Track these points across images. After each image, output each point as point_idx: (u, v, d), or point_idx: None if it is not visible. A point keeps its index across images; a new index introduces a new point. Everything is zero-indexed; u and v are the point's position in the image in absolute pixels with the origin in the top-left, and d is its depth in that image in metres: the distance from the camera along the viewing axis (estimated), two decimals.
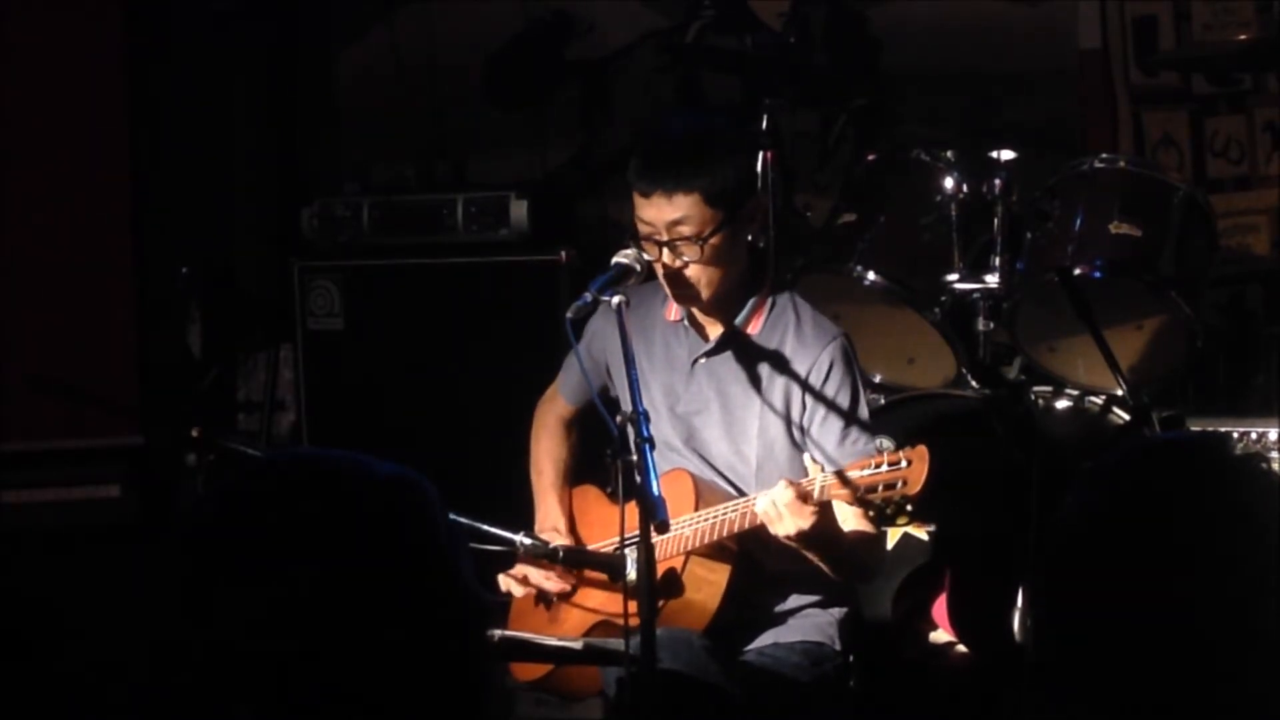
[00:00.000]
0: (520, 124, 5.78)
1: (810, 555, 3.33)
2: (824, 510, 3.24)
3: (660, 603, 3.24)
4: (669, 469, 3.49)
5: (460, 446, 4.82)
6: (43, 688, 4.55)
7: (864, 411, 3.50)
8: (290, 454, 2.47)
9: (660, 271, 3.42)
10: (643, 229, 3.41)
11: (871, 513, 3.25)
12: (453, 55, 5.81)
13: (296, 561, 1.73)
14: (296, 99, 5.98)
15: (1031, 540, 3.97)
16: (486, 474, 4.37)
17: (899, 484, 3.16)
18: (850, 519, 3.37)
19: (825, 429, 3.46)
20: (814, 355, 3.47)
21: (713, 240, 3.37)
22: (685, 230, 3.37)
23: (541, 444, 3.80)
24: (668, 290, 3.47)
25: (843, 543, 3.35)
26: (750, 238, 3.54)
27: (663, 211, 3.36)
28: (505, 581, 3.59)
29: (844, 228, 4.44)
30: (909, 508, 3.18)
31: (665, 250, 3.38)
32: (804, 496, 3.21)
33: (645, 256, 3.41)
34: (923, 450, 3.15)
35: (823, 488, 3.23)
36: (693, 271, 3.40)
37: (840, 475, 3.22)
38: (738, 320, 3.52)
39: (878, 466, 3.19)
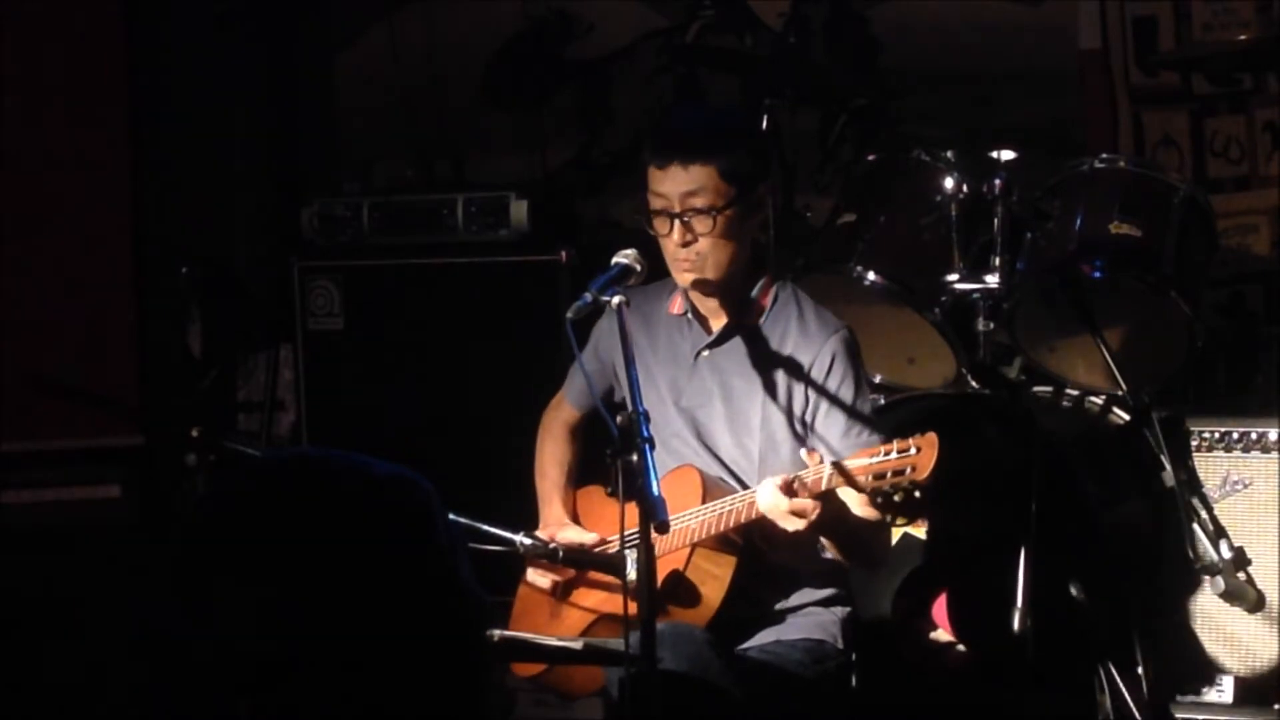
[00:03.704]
0: (520, 124, 5.78)
1: (821, 539, 3.37)
2: (827, 499, 3.26)
3: (664, 605, 3.26)
4: (677, 465, 3.51)
5: (460, 446, 4.82)
6: (43, 687, 4.55)
7: (867, 405, 3.52)
8: (290, 454, 2.47)
9: (669, 248, 3.45)
10: (655, 202, 3.45)
11: (880, 499, 3.26)
12: (453, 55, 5.81)
13: (296, 561, 1.73)
14: (296, 99, 5.98)
15: (1031, 540, 3.97)
16: (486, 474, 4.38)
17: (908, 470, 3.18)
18: (856, 504, 3.38)
19: (829, 423, 3.48)
20: (817, 348, 3.49)
21: (725, 213, 3.41)
22: (698, 202, 3.40)
23: (546, 448, 3.81)
24: (674, 269, 3.49)
25: (851, 524, 3.37)
26: (759, 234, 3.57)
27: (678, 182, 3.41)
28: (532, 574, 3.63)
29: (844, 228, 4.44)
30: (917, 494, 3.19)
31: (676, 224, 3.41)
32: (788, 489, 3.23)
33: (652, 231, 3.46)
34: (932, 437, 3.18)
35: (830, 476, 3.25)
36: (702, 246, 3.43)
37: (847, 464, 3.24)
38: (740, 313, 3.54)
39: (886, 454, 3.21)
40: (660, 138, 3.50)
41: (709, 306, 3.58)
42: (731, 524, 3.37)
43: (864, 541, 3.47)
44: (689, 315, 3.59)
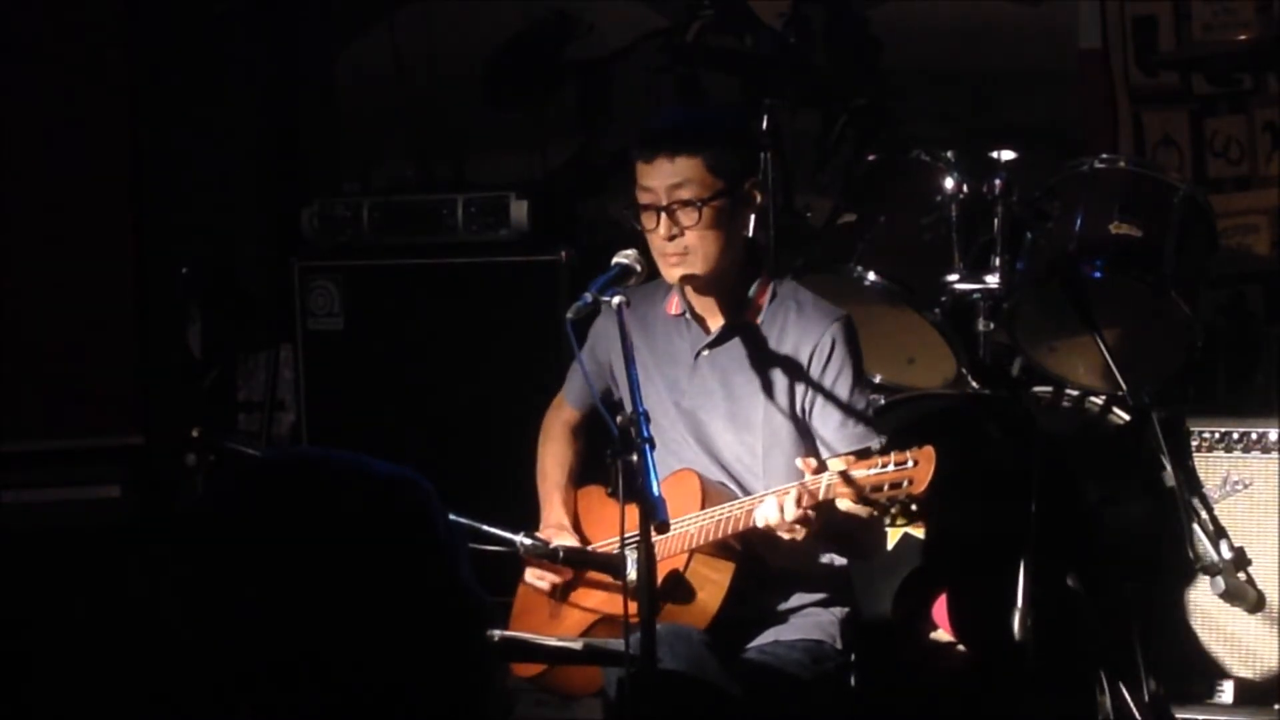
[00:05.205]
0: (520, 124, 5.78)
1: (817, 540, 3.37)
2: (824, 508, 3.26)
3: (663, 604, 3.25)
4: (677, 468, 3.51)
5: (460, 446, 4.82)
6: (43, 688, 4.55)
7: (864, 397, 3.52)
8: (290, 454, 2.47)
9: (656, 243, 3.45)
10: (642, 196, 3.45)
11: (875, 511, 3.27)
12: (453, 55, 5.81)
13: (295, 561, 1.73)
14: (297, 99, 5.98)
15: (1031, 540, 3.97)
16: (487, 474, 4.38)
17: (905, 483, 3.18)
18: (844, 502, 3.38)
19: (825, 416, 3.48)
20: (817, 335, 3.49)
21: (712, 205, 3.40)
22: (685, 194, 3.40)
23: (547, 448, 3.81)
24: (661, 265, 3.47)
25: (843, 523, 3.37)
26: (748, 231, 3.56)
27: (664, 174, 3.41)
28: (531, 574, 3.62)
29: (844, 228, 4.44)
30: (914, 508, 3.20)
31: (663, 217, 3.41)
32: (787, 504, 3.24)
33: (640, 226, 3.46)
34: (929, 451, 3.17)
35: (828, 486, 3.25)
36: (690, 239, 3.42)
37: (846, 475, 3.24)
38: (738, 312, 3.54)
39: (884, 466, 3.20)
40: (647, 132, 3.50)
41: (706, 306, 3.57)
42: (730, 531, 3.37)
43: (855, 537, 3.47)
44: (687, 315, 3.58)
